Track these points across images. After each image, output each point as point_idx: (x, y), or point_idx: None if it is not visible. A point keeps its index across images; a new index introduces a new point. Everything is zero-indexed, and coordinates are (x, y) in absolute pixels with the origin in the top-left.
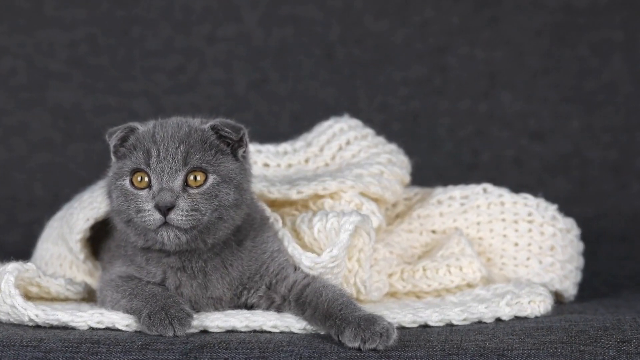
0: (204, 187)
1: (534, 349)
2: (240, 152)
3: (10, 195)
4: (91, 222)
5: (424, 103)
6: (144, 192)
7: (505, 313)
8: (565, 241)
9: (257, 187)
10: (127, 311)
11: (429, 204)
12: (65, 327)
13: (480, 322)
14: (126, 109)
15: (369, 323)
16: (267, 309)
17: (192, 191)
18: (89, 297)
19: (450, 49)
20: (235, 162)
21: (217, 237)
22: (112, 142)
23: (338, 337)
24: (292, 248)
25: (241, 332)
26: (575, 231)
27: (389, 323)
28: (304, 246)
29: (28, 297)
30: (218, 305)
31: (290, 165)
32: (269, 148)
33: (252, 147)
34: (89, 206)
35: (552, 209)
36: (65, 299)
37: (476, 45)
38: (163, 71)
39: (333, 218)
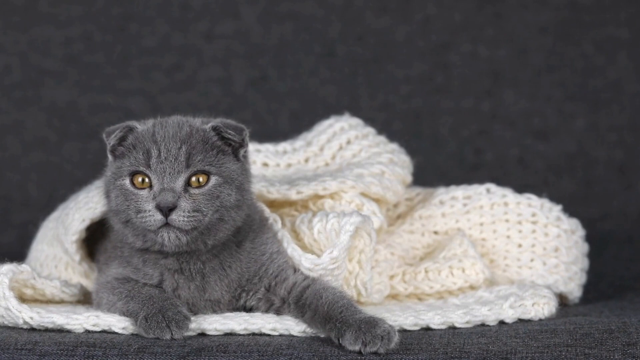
0: (206, 187)
1: (538, 352)
2: (242, 152)
3: (4, 195)
4: (87, 222)
5: (426, 101)
6: (144, 192)
7: (509, 315)
8: (570, 242)
9: (256, 187)
10: (124, 314)
11: (431, 205)
12: (61, 330)
13: (483, 324)
14: (122, 107)
15: (370, 326)
16: (266, 311)
17: (193, 192)
18: (85, 299)
19: (452, 46)
20: (236, 163)
21: (217, 238)
22: (111, 141)
23: (338, 340)
24: (292, 249)
25: (240, 335)
26: (580, 232)
27: (390, 326)
28: (304, 247)
29: (23, 299)
30: (216, 307)
31: (289, 165)
32: (268, 147)
33: (251, 147)
34: (85, 206)
35: (556, 209)
36: (61, 301)
37: (479, 43)
38: (160, 69)
39: (333, 219)
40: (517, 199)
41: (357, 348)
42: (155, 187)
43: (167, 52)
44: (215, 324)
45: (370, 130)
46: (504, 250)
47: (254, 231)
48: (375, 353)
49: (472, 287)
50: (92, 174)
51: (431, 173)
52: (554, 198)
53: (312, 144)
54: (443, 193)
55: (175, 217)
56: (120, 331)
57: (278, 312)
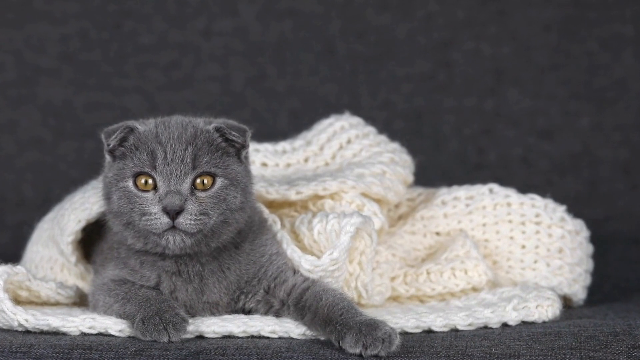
0: (212, 190)
1: (541, 355)
2: (244, 153)
3: None
4: (83, 223)
5: (428, 100)
6: (149, 195)
7: (512, 318)
8: (574, 243)
9: (255, 187)
10: (120, 316)
11: (433, 205)
12: (56, 333)
13: (486, 327)
14: (119, 106)
15: (371, 328)
16: (266, 313)
17: (200, 194)
18: (81, 301)
19: (455, 44)
20: (240, 164)
21: (220, 241)
22: (111, 142)
23: (339, 343)
24: (291, 251)
25: (238, 337)
26: (585, 233)
27: (392, 328)
28: (304, 248)
29: (17, 301)
30: (214, 310)
31: (289, 165)
32: (267, 147)
33: (250, 146)
34: (81, 207)
35: (560, 210)
36: (56, 304)
37: (482, 40)
38: (157, 67)
39: (333, 219)
40: (521, 200)
41: (357, 351)
42: (161, 190)
43: (164, 50)
44: (213, 326)
45: (371, 129)
46: (507, 251)
47: (253, 232)
48: (376, 356)
49: (475, 289)
50: (88, 174)
51: (433, 173)
52: (558, 198)
53: (312, 143)
54: (445, 193)
55: (182, 220)
56: (116, 334)
57: (277, 315)
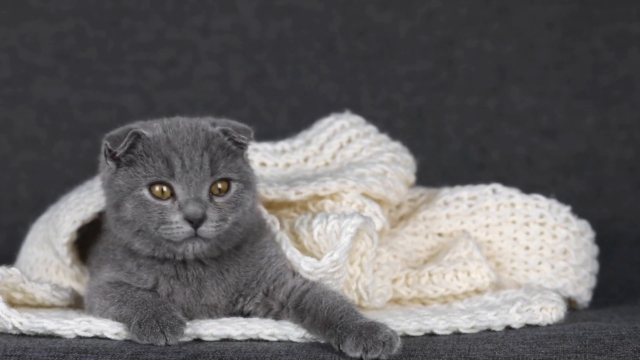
0: (229, 195)
1: (545, 358)
2: (246, 153)
3: None
4: (78, 224)
5: (430, 99)
6: (167, 203)
7: (516, 321)
8: (579, 245)
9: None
10: (116, 319)
11: (435, 206)
12: (51, 336)
13: (489, 330)
14: (115, 105)
15: (371, 331)
16: (265, 316)
17: (217, 200)
18: (76, 304)
19: (457, 41)
20: (247, 165)
21: (231, 243)
22: (119, 150)
23: (339, 347)
24: (291, 252)
25: (237, 340)
26: (590, 234)
27: (393, 331)
28: (303, 250)
29: (12, 303)
30: (212, 312)
31: (288, 165)
32: (266, 146)
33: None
34: (76, 208)
35: (565, 210)
36: (51, 306)
37: (485, 38)
38: (154, 65)
39: (334, 220)
40: (525, 200)
41: (358, 355)
42: (181, 198)
43: (162, 48)
44: (211, 329)
45: (371, 128)
46: (511, 252)
47: (253, 234)
48: None
49: (478, 291)
50: (83, 174)
51: (435, 173)
52: (563, 199)
53: (312, 142)
54: (447, 194)
55: (205, 228)
56: (112, 337)
57: (276, 317)
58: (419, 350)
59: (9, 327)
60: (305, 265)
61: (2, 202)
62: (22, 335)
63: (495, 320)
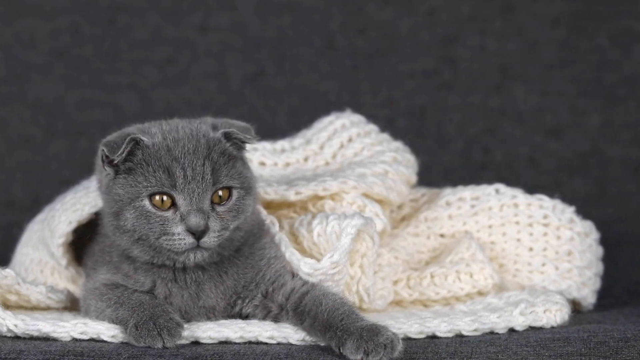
0: (230, 203)
1: None
2: (244, 152)
3: None
4: (74, 225)
5: (432, 97)
6: (169, 214)
7: (519, 323)
8: (584, 246)
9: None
10: (113, 321)
11: (437, 206)
12: (47, 338)
13: (492, 332)
14: (112, 103)
15: (372, 334)
16: (264, 319)
17: (219, 209)
18: (72, 306)
19: (459, 39)
20: (246, 167)
21: (232, 248)
22: (117, 157)
23: (339, 349)
24: (290, 253)
25: (235, 343)
26: (594, 235)
27: (394, 334)
28: (303, 251)
29: (6, 305)
30: (211, 314)
31: (288, 164)
32: (266, 145)
33: (247, 145)
34: (72, 208)
35: (569, 211)
36: (47, 308)
37: (488, 35)
38: (151, 63)
39: (334, 221)
40: (528, 200)
41: (358, 358)
42: (183, 209)
43: (159, 46)
44: (209, 331)
45: (372, 127)
46: (514, 254)
47: (253, 235)
48: None
49: (481, 293)
50: (79, 174)
51: (437, 173)
52: (567, 199)
53: (312, 142)
54: (450, 194)
55: (207, 239)
56: (109, 339)
57: (276, 320)
58: (420, 353)
59: (4, 329)
60: (305, 267)
61: None
62: (17, 337)
63: (499, 322)
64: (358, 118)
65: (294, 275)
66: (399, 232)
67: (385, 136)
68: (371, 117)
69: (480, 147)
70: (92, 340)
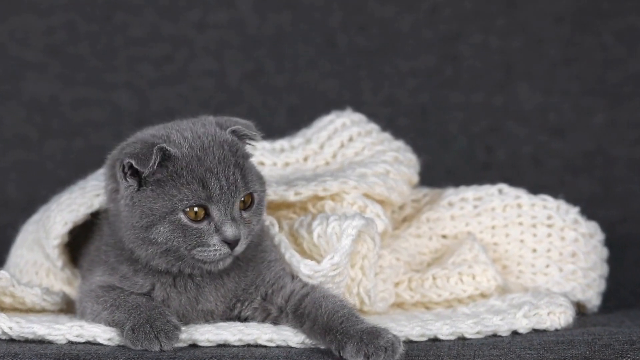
0: (253, 206)
1: None
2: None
3: None
4: (70, 226)
5: (434, 96)
6: (204, 226)
7: (523, 325)
8: (588, 247)
9: None
10: (109, 324)
11: (439, 206)
12: (42, 341)
13: (495, 335)
14: (108, 102)
15: (373, 337)
16: (263, 321)
17: (245, 215)
18: (68, 308)
19: (462, 36)
20: (255, 166)
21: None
22: (147, 170)
23: (339, 353)
24: (290, 255)
25: (234, 346)
26: (599, 236)
27: (395, 336)
28: (303, 253)
29: (1, 308)
30: (209, 318)
31: (287, 164)
32: (264, 145)
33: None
34: (68, 209)
35: (573, 211)
36: (42, 310)
37: (491, 33)
38: (148, 61)
39: (334, 222)
40: (532, 201)
41: None
42: (217, 219)
43: (156, 43)
44: (207, 334)
45: (373, 126)
46: (518, 255)
47: (257, 236)
48: None
49: (483, 295)
50: (75, 174)
51: (439, 173)
52: (571, 199)
53: (312, 141)
54: (452, 194)
55: (239, 248)
56: (105, 342)
57: (275, 322)
58: (422, 356)
59: None
60: (305, 269)
61: None
62: (11, 340)
63: (502, 325)
64: (359, 117)
65: (293, 277)
66: (400, 233)
67: (387, 135)
68: (372, 116)
69: (483, 146)
70: (88, 343)
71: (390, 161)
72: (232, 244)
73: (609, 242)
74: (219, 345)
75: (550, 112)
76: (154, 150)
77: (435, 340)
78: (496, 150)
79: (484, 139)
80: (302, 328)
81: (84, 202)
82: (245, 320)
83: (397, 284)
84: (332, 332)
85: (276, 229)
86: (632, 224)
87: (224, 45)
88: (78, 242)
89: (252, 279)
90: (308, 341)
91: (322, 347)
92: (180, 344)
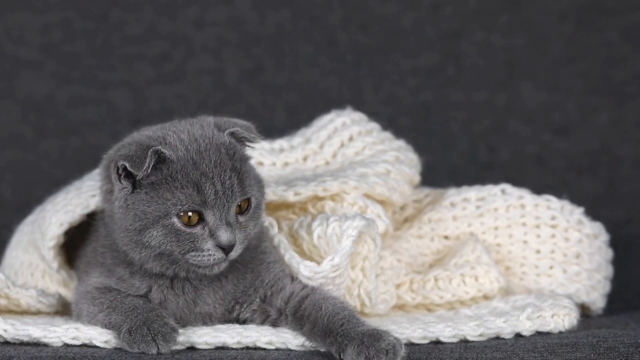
0: (250, 211)
1: None
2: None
3: None
4: (65, 227)
5: (436, 95)
6: (198, 230)
7: (526, 328)
8: (593, 248)
9: None
10: (106, 326)
11: (441, 207)
12: (37, 344)
13: (498, 338)
14: (105, 101)
15: (374, 339)
16: (262, 323)
17: (241, 219)
18: (63, 310)
19: (464, 34)
20: (254, 167)
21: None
22: (141, 173)
23: (339, 355)
24: (289, 256)
25: (232, 349)
26: (604, 237)
27: (396, 339)
28: (302, 254)
29: None
30: (207, 320)
31: (286, 164)
32: (263, 145)
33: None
34: (63, 209)
35: (577, 212)
36: (37, 312)
37: (494, 31)
38: (146, 59)
39: (334, 222)
40: (535, 201)
41: None
42: (212, 224)
43: (154, 41)
44: (205, 337)
45: (374, 125)
46: (521, 256)
47: (256, 238)
48: None
49: (486, 297)
50: (71, 174)
51: (441, 173)
52: (575, 200)
53: (311, 140)
54: (454, 194)
55: (234, 253)
56: (102, 345)
57: (275, 325)
58: (424, 359)
59: None
60: (305, 270)
61: None
62: (6, 343)
63: (505, 327)
64: (359, 116)
65: (293, 278)
66: (401, 233)
67: (388, 135)
68: (373, 115)
69: (486, 146)
70: (84, 345)
71: (391, 161)
72: (226, 249)
73: (613, 243)
74: (217, 348)
75: (554, 111)
76: (149, 153)
77: (437, 342)
78: (499, 149)
79: (486, 139)
80: (301, 330)
81: (80, 202)
82: (244, 322)
83: (398, 286)
84: (333, 335)
85: (275, 229)
86: (638, 224)
87: (223, 43)
88: (74, 243)
89: (251, 281)
90: (308, 344)
91: (322, 349)
92: (178, 347)
